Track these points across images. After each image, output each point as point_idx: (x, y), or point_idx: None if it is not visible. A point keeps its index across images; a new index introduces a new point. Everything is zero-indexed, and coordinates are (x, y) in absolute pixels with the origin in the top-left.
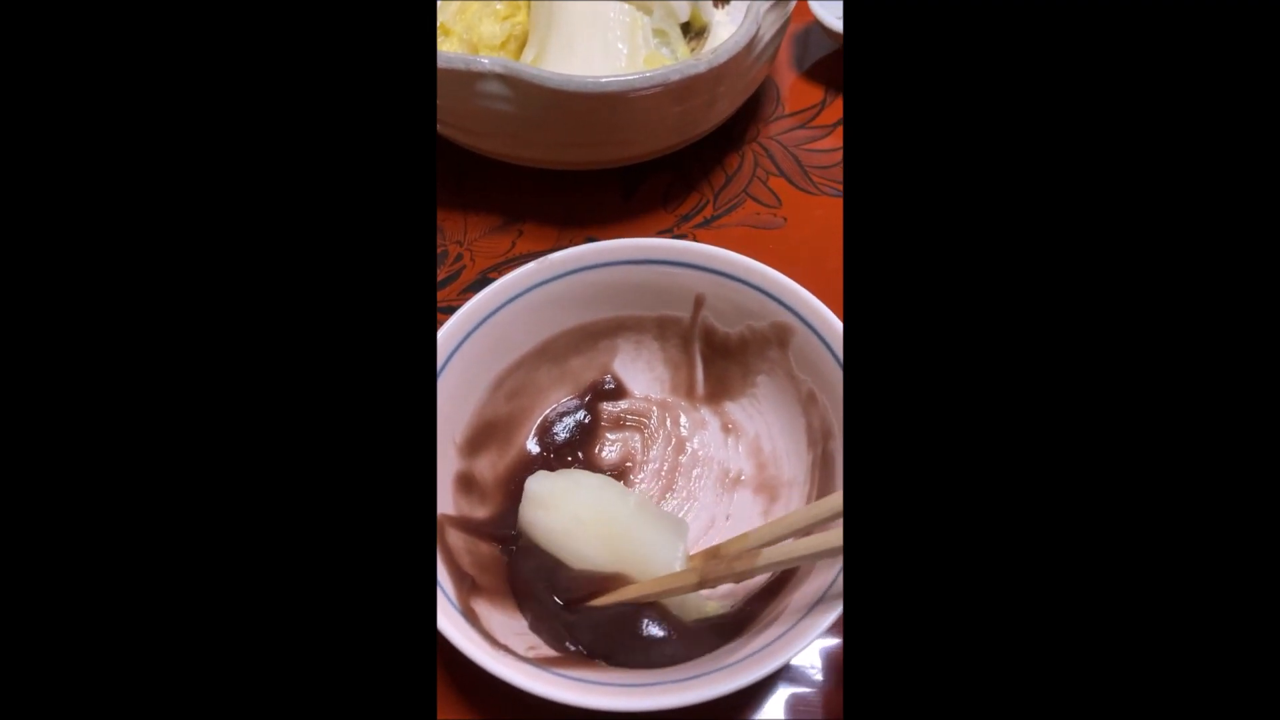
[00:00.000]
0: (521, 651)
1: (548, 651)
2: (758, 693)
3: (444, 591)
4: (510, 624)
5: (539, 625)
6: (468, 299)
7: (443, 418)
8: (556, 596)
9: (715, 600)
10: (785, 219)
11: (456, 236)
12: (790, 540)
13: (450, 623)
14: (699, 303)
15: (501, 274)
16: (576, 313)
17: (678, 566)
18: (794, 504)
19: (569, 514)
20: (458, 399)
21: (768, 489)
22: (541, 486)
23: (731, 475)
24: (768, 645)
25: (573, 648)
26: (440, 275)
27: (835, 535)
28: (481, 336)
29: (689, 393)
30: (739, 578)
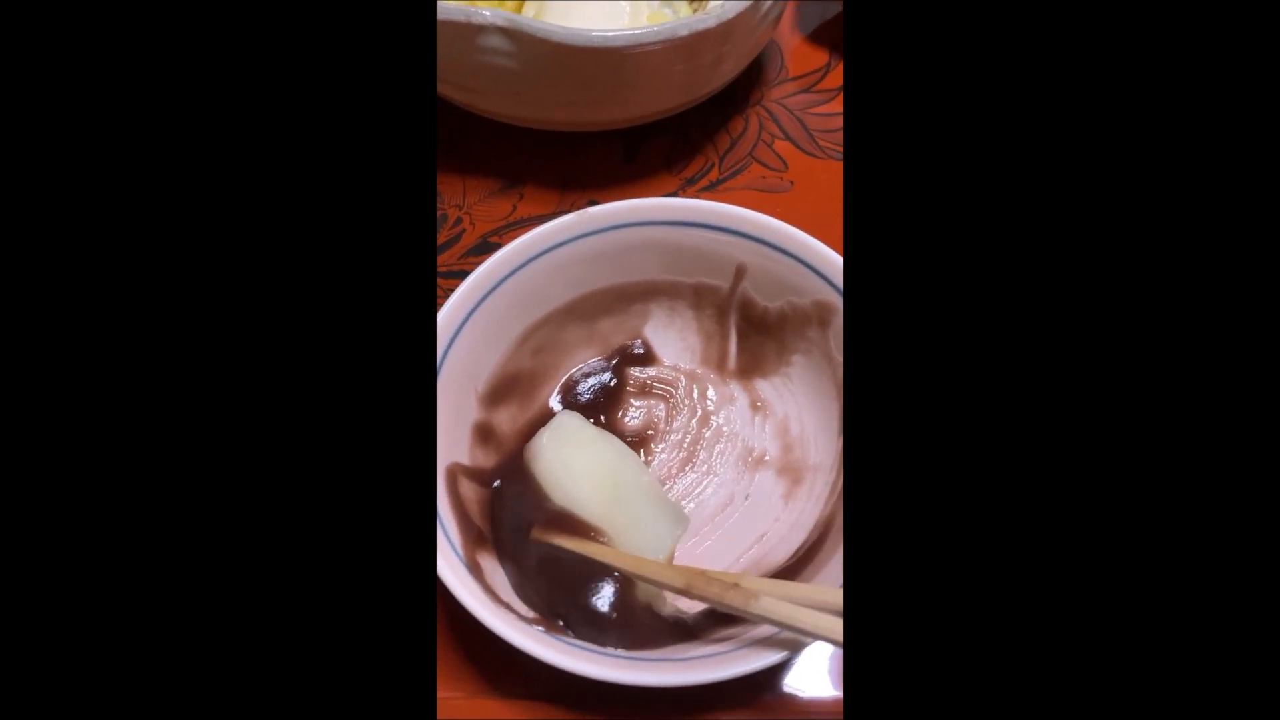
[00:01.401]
0: (523, 611)
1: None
2: (758, 684)
3: (449, 540)
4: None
5: (505, 563)
6: (469, 264)
7: (466, 366)
8: (531, 522)
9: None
10: (792, 183)
11: (455, 200)
12: (791, 605)
13: (452, 572)
14: (740, 273)
15: (504, 239)
16: (611, 272)
17: (660, 556)
18: (818, 490)
19: (583, 458)
20: (483, 348)
21: (791, 472)
22: (572, 422)
23: (755, 454)
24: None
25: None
26: (441, 239)
27: (836, 626)
28: (512, 286)
29: (719, 365)
30: (724, 608)
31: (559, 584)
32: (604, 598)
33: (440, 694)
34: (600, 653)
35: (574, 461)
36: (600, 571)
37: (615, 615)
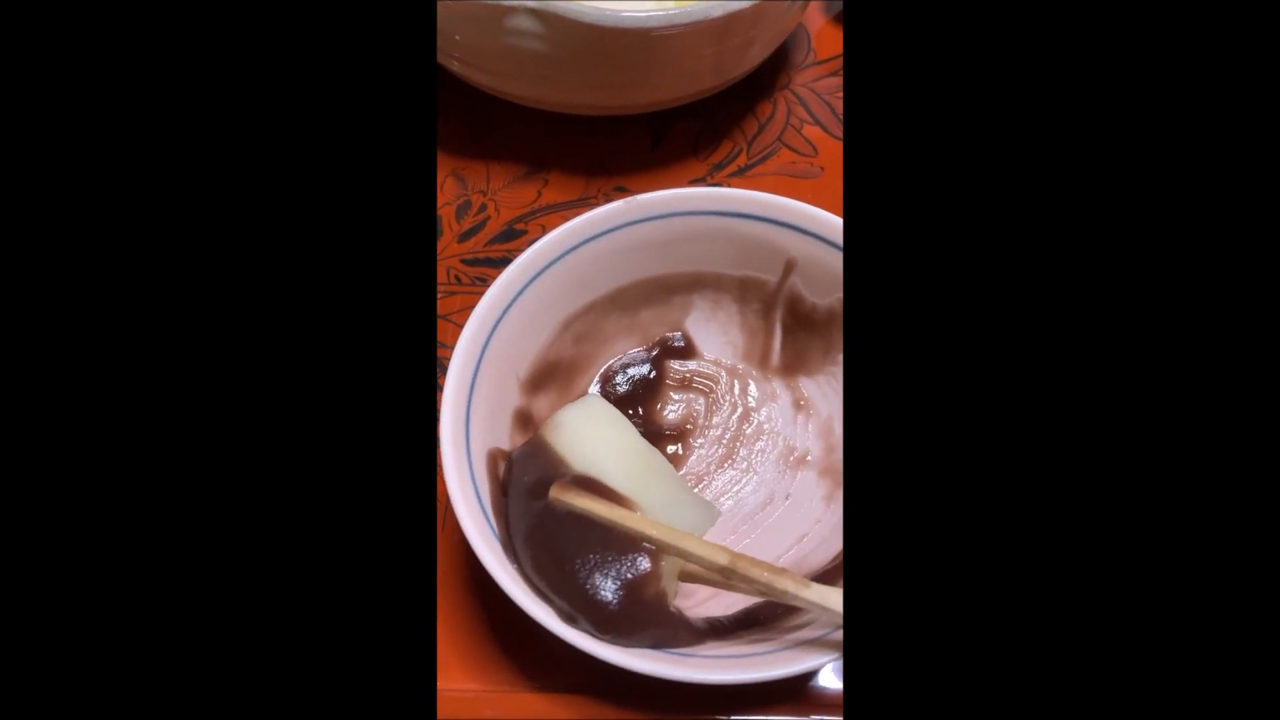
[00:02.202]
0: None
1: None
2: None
3: (491, 528)
4: None
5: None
6: (494, 251)
7: (509, 351)
8: (547, 484)
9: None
10: (823, 168)
11: (479, 186)
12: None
13: (494, 559)
14: (789, 267)
15: (529, 225)
16: (655, 262)
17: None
18: None
19: (613, 432)
20: (526, 334)
21: (834, 474)
22: (600, 401)
23: (797, 454)
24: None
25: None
26: (465, 225)
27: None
28: (558, 273)
29: (762, 362)
30: (769, 593)
31: (566, 567)
32: (616, 587)
33: (479, 687)
34: (644, 652)
35: (603, 432)
36: (618, 553)
37: (626, 606)
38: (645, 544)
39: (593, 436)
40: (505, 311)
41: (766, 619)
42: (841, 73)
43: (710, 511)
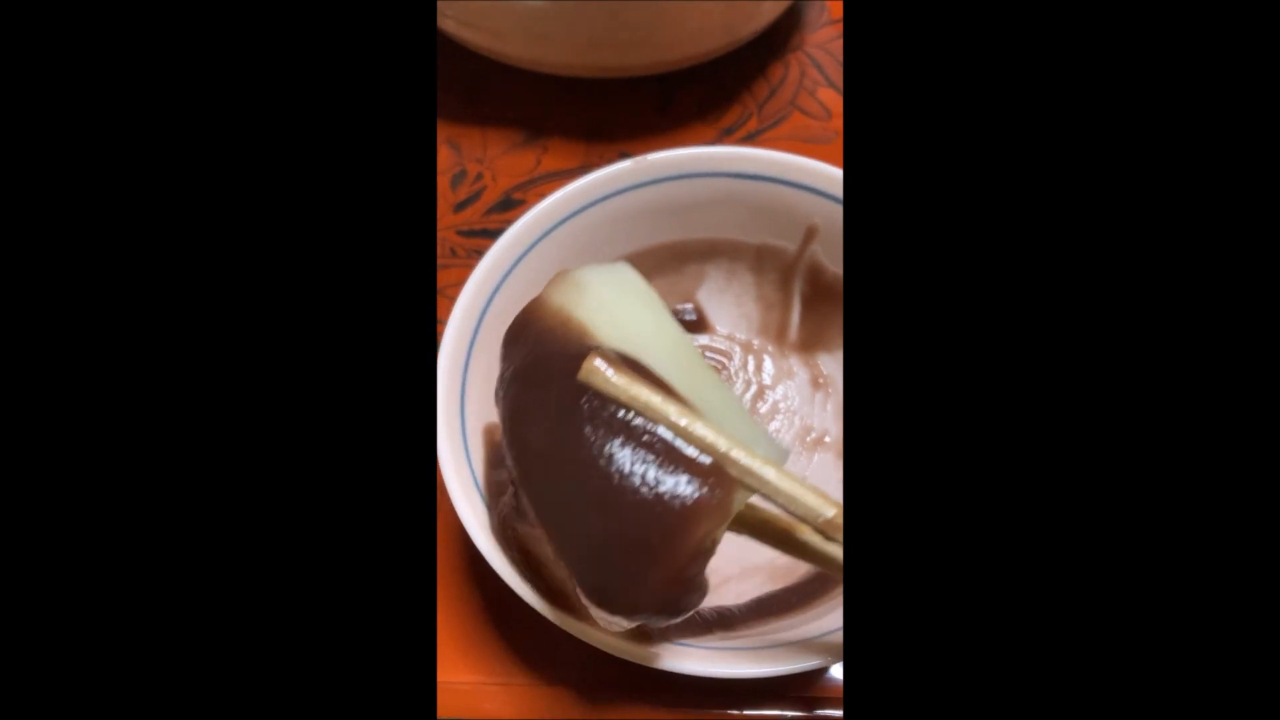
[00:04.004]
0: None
1: None
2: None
3: (484, 503)
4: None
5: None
6: (491, 222)
7: (505, 325)
8: (561, 361)
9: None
10: (837, 132)
11: (475, 154)
12: None
13: (485, 539)
14: (810, 234)
15: (528, 195)
16: (667, 228)
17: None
18: None
19: (655, 317)
20: (520, 307)
21: None
22: (641, 279)
23: (815, 435)
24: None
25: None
26: (460, 195)
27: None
28: (561, 238)
29: (779, 336)
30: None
31: (590, 484)
32: (657, 520)
33: (476, 679)
34: (643, 645)
35: (641, 311)
36: (670, 470)
37: (661, 551)
38: (711, 465)
39: (631, 309)
40: (503, 280)
41: (775, 611)
42: None
43: (778, 448)
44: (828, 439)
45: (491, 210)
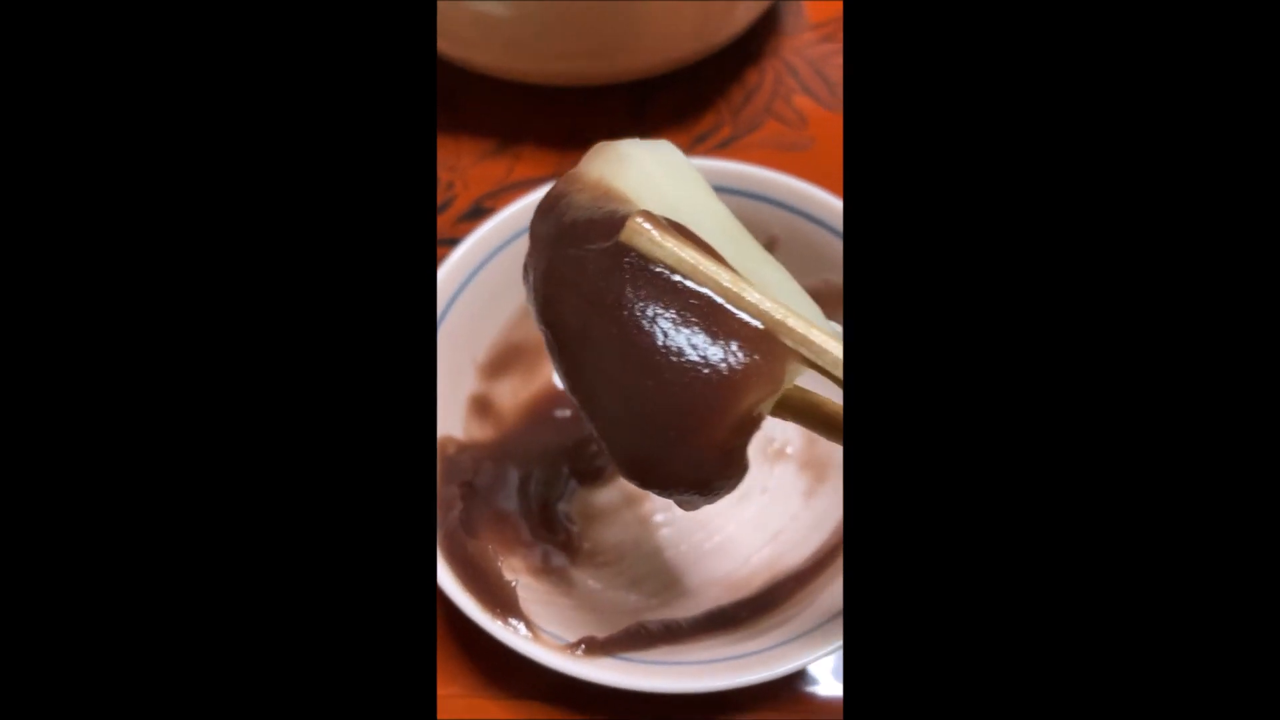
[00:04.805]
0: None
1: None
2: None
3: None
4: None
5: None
6: (462, 230)
7: (464, 333)
8: (604, 225)
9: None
10: (813, 139)
11: (448, 162)
12: None
13: (444, 569)
14: (771, 245)
15: (499, 203)
16: None
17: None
18: (840, 486)
19: (702, 192)
20: (484, 314)
21: (814, 467)
22: (683, 157)
23: (776, 446)
24: (781, 645)
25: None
26: None
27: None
28: (517, 251)
29: None
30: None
31: (633, 347)
32: (704, 386)
33: (440, 691)
34: (612, 663)
35: (686, 185)
36: (719, 338)
37: (704, 422)
38: (762, 332)
39: (676, 181)
40: (459, 291)
41: (723, 626)
42: (835, 39)
43: (835, 327)
44: (789, 450)
45: (463, 218)
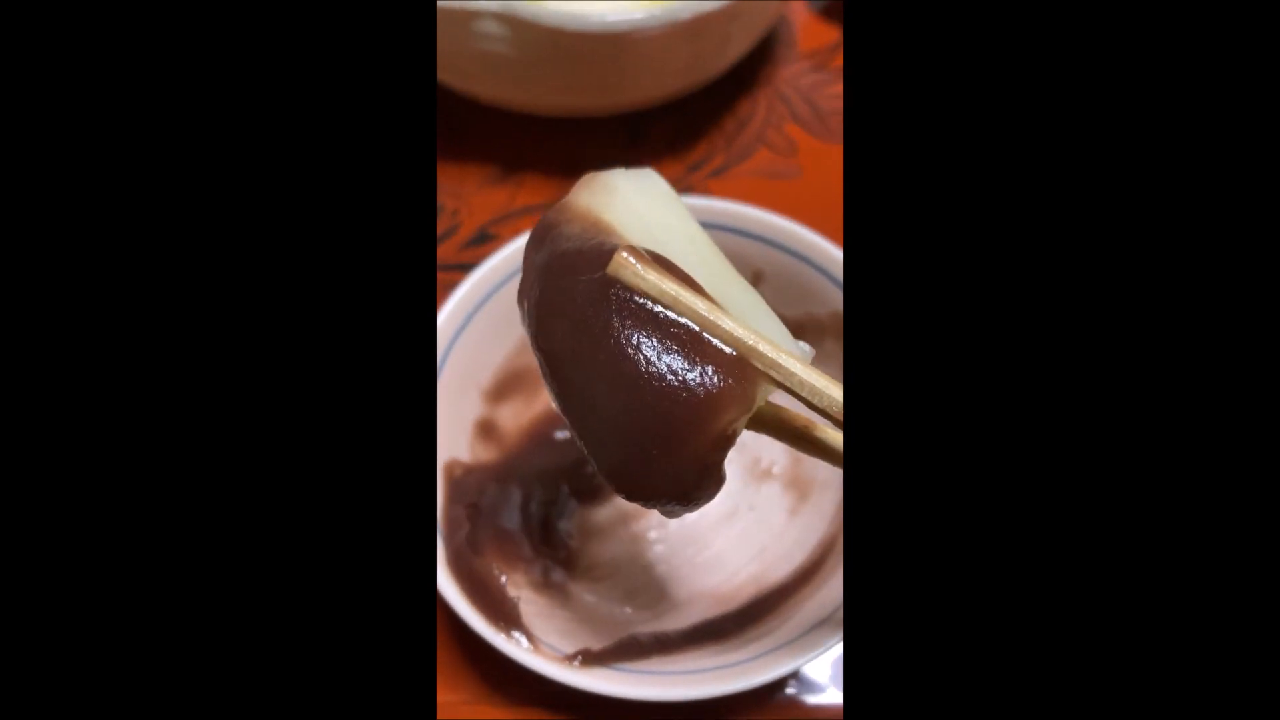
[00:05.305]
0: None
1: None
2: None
3: (443, 544)
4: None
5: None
6: (466, 256)
7: (471, 361)
8: (593, 255)
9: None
10: (802, 168)
11: (453, 190)
12: None
13: (447, 580)
14: (756, 279)
15: (502, 230)
16: None
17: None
18: (824, 507)
19: (680, 219)
20: (488, 343)
21: (799, 486)
22: (666, 184)
23: (763, 466)
24: (775, 649)
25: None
26: (436, 231)
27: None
28: (518, 284)
29: None
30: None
31: (612, 370)
32: (679, 408)
33: (446, 699)
34: (608, 673)
35: (668, 214)
36: (696, 363)
37: (683, 438)
38: (735, 357)
39: (659, 212)
40: (465, 324)
41: (712, 637)
42: (826, 69)
43: (802, 348)
44: (775, 470)
45: (467, 245)
